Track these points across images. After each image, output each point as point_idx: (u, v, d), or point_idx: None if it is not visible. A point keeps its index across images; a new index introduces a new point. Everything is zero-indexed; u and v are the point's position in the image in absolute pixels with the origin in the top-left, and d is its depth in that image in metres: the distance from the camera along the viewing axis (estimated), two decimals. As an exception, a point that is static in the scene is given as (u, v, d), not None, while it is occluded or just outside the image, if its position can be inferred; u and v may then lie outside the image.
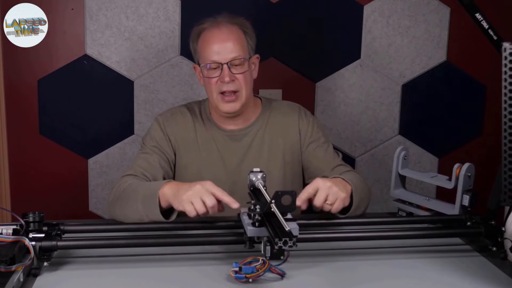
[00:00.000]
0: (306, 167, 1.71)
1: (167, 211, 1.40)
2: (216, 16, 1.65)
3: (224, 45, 1.59)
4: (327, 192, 1.36)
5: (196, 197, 1.30)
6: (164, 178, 1.60)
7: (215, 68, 1.59)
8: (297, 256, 1.25)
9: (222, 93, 1.60)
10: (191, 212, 1.31)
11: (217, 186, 1.32)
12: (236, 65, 1.59)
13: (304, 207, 1.39)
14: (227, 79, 1.57)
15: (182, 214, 1.38)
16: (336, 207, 1.38)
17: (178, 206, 1.34)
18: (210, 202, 1.29)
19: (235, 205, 1.28)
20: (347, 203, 1.42)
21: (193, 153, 1.68)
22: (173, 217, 1.39)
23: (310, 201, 1.39)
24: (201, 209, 1.30)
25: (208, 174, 1.66)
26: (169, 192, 1.37)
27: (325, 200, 1.36)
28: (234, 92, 1.60)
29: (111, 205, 1.51)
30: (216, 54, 1.58)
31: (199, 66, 1.65)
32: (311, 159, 1.69)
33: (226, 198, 1.30)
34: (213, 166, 1.68)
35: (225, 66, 1.58)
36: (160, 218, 1.37)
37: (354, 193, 1.45)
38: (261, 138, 1.70)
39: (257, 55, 1.70)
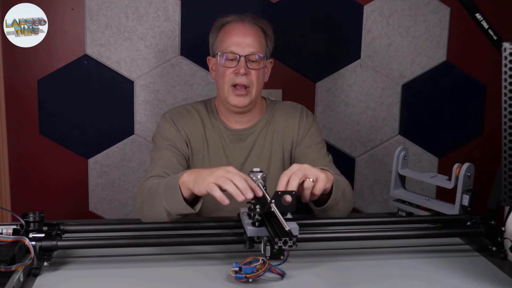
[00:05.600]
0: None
1: (193, 202, 1.36)
2: (241, 14, 1.68)
3: (245, 38, 1.62)
4: (305, 171, 1.29)
5: (221, 178, 1.23)
6: None
7: (232, 59, 1.62)
8: (297, 256, 1.25)
9: (234, 86, 1.62)
10: (214, 191, 1.23)
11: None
12: (252, 61, 1.62)
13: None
14: (242, 70, 1.60)
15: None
16: (319, 187, 1.30)
17: (200, 190, 1.28)
18: (242, 184, 1.22)
19: (259, 192, 1.22)
20: (329, 185, 1.35)
21: (201, 151, 1.69)
22: (198, 206, 1.36)
23: (298, 197, 1.31)
24: (228, 185, 1.22)
25: None
26: (189, 179, 1.32)
27: (305, 179, 1.29)
28: (246, 87, 1.63)
29: (140, 210, 1.50)
30: (235, 45, 1.61)
31: (214, 58, 1.67)
32: (301, 156, 1.69)
33: (252, 183, 1.24)
34: (218, 165, 1.67)
35: (242, 58, 1.61)
36: (186, 208, 1.34)
37: (334, 181, 1.39)
38: (263, 137, 1.72)
39: (271, 60, 1.73)
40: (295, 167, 1.31)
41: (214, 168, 1.30)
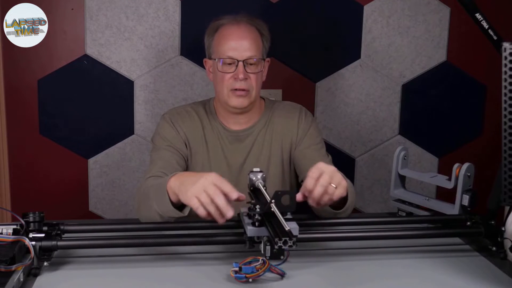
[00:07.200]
0: (295, 164, 1.71)
1: (183, 205, 1.34)
2: (236, 15, 1.66)
3: (241, 42, 1.61)
4: (332, 175, 1.27)
5: (201, 193, 1.20)
6: None
7: (229, 64, 1.61)
8: (297, 256, 1.25)
9: (233, 90, 1.61)
10: (198, 209, 1.20)
11: (223, 179, 1.22)
12: (250, 64, 1.61)
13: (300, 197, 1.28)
14: (241, 76, 1.59)
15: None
16: (338, 193, 1.27)
17: (185, 202, 1.26)
18: (221, 201, 1.18)
19: (242, 196, 1.20)
20: (345, 192, 1.33)
21: (200, 152, 1.68)
22: (187, 210, 1.34)
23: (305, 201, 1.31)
24: (209, 206, 1.18)
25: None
26: (174, 185, 1.31)
27: (330, 183, 1.27)
28: (245, 90, 1.62)
29: (137, 210, 1.50)
30: (233, 50, 1.60)
31: (211, 60, 1.67)
32: (301, 157, 1.68)
33: (234, 195, 1.20)
34: (217, 166, 1.68)
35: (240, 63, 1.59)
36: (174, 212, 1.33)
37: (349, 188, 1.39)
38: (262, 138, 1.71)
39: (268, 59, 1.72)
40: (322, 166, 1.27)
41: (198, 175, 1.25)
